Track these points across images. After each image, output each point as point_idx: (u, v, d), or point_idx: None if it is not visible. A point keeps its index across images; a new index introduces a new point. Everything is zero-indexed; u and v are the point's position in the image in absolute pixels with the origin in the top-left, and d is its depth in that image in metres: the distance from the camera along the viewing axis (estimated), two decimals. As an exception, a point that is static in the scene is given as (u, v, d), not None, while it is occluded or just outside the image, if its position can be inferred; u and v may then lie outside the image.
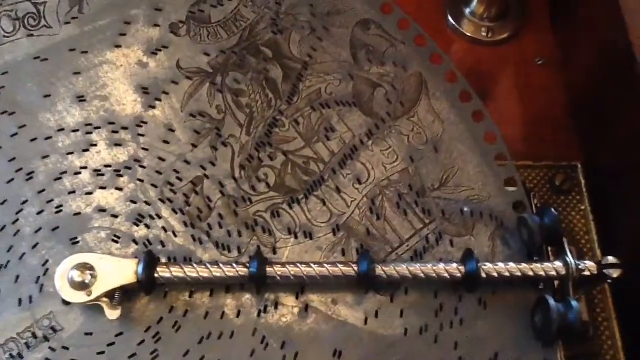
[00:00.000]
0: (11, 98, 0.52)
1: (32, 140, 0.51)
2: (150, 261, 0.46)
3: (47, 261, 0.48)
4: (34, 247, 0.48)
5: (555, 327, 0.46)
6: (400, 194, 0.52)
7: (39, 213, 0.49)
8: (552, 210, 0.50)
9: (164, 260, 0.48)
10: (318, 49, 0.55)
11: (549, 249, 0.50)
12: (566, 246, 0.49)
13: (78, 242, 0.49)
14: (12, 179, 0.50)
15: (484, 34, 0.71)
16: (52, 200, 0.50)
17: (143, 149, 0.51)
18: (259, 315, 0.47)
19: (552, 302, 0.47)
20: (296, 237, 0.50)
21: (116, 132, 0.52)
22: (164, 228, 0.49)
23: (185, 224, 0.50)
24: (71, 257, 0.45)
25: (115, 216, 0.49)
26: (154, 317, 0.47)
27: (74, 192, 0.50)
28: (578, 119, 0.66)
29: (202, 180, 0.51)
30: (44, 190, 0.50)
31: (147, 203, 0.50)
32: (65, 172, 0.50)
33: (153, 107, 0.53)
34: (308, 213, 0.51)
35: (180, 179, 0.51)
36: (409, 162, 0.53)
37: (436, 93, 0.55)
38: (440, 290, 0.49)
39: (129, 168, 0.51)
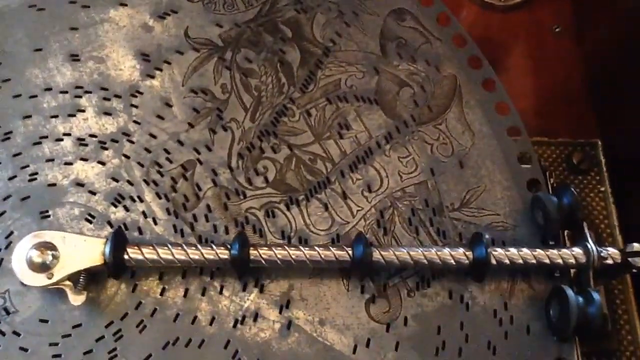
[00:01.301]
0: (-1, 48, 0.47)
1: (15, 96, 0.46)
2: (119, 241, 0.41)
3: (11, 233, 0.43)
4: (0, 215, 0.44)
5: (574, 321, 0.41)
6: (414, 209, 0.46)
7: (11, 179, 0.44)
8: (572, 189, 0.45)
9: (138, 249, 0.43)
10: (343, 34, 0.49)
11: (565, 232, 0.46)
12: (586, 230, 0.44)
13: (48, 216, 0.44)
14: (-13, 137, 0.45)
15: None
16: (27, 166, 0.45)
17: (134, 121, 0.46)
18: (234, 325, 0.42)
19: (570, 293, 0.41)
20: (289, 243, 0.44)
21: (108, 99, 0.46)
22: (144, 213, 0.44)
23: (168, 212, 0.44)
24: (30, 235, 0.40)
25: (93, 193, 0.44)
26: (118, 312, 0.42)
27: (52, 160, 0.45)
28: (597, 92, 0.61)
29: (194, 165, 0.45)
30: (19, 154, 0.45)
31: (129, 183, 0.45)
32: (45, 137, 0.45)
33: (152, 77, 0.47)
34: (307, 217, 0.45)
35: (170, 161, 0.45)
36: (428, 174, 0.47)
37: (470, 101, 0.49)
38: (444, 325, 0.43)
39: (116, 141, 0.46)
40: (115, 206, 0.44)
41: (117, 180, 0.45)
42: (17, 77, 0.47)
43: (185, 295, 0.42)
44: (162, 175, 0.45)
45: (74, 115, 0.46)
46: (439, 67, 0.49)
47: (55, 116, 0.46)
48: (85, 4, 0.48)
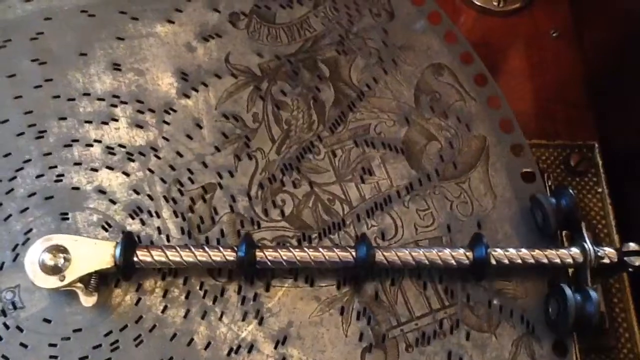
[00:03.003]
0: (46, 46, 0.49)
1: (55, 97, 0.48)
2: (129, 243, 0.42)
3: (30, 230, 0.44)
4: (22, 211, 0.45)
5: (572, 318, 0.42)
6: (424, 264, 0.45)
7: (38, 177, 0.46)
8: (570, 191, 0.46)
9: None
10: (380, 81, 0.49)
11: (563, 233, 0.47)
12: (584, 231, 0.45)
13: (67, 218, 0.45)
14: (22, 133, 0.47)
15: (495, 2, 0.66)
16: (55, 167, 0.46)
17: (164, 137, 0.47)
18: (229, 354, 0.42)
19: (568, 291, 0.43)
20: (295, 279, 0.44)
21: (142, 112, 0.48)
22: (158, 229, 0.45)
23: (182, 231, 0.45)
24: (42, 238, 0.41)
25: (114, 202, 0.45)
26: (119, 323, 0.42)
27: (79, 163, 0.46)
28: (594, 95, 0.62)
29: (215, 189, 0.46)
30: (50, 154, 0.46)
31: (150, 197, 0.45)
32: (77, 141, 0.47)
33: (187, 96, 0.48)
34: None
35: (192, 181, 0.46)
36: (444, 230, 0.46)
37: (496, 164, 0.48)
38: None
39: (143, 154, 0.47)
40: (133, 218, 0.45)
41: (138, 193, 0.46)
42: (59, 78, 0.48)
43: (185, 316, 0.43)
44: (182, 194, 0.46)
45: (107, 123, 0.47)
46: (469, 125, 0.49)
47: (89, 122, 0.47)
48: (135, 16, 0.50)
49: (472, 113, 0.49)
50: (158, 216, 0.45)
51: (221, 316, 0.43)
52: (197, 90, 0.48)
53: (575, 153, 0.57)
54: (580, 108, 0.62)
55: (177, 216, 0.45)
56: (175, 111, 0.48)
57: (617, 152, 0.57)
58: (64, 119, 0.47)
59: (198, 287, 0.43)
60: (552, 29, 0.65)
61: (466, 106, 0.49)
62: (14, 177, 0.45)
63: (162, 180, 0.46)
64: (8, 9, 0.50)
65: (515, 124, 0.49)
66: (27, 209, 0.45)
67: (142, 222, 0.45)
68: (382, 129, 0.48)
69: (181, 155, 0.47)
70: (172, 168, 0.46)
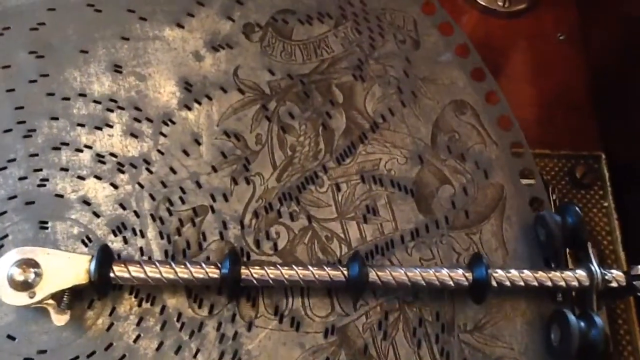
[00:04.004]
0: (46, 39, 0.46)
1: (49, 94, 0.45)
2: (105, 258, 0.39)
3: (5, 235, 0.41)
4: (0, 214, 0.42)
5: (576, 346, 0.40)
6: (422, 319, 0.42)
7: (21, 179, 0.43)
8: (576, 208, 0.43)
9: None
10: (396, 113, 0.46)
11: (567, 251, 0.45)
12: (590, 252, 0.43)
13: (47, 227, 0.42)
14: (10, 130, 0.44)
15: (499, 3, 0.63)
16: (40, 170, 0.43)
17: (159, 150, 0.44)
18: (200, 396, 0.39)
19: (572, 317, 0.40)
20: (280, 321, 0.41)
21: (138, 120, 0.44)
22: (141, 249, 0.42)
23: (167, 254, 0.42)
24: (12, 250, 0.38)
25: (97, 215, 0.42)
26: (87, 348, 0.39)
27: (66, 169, 0.43)
28: (600, 102, 0.59)
29: (206, 212, 0.43)
30: (36, 155, 0.43)
31: (136, 214, 0.42)
32: (66, 144, 0.44)
33: (189, 108, 0.45)
34: (307, 297, 0.42)
35: (182, 201, 0.43)
36: (447, 284, 0.43)
37: (512, 217, 0.45)
38: None
39: (135, 166, 0.43)
40: (115, 235, 0.42)
41: (124, 208, 0.42)
42: (56, 75, 0.45)
43: (158, 349, 0.40)
44: (170, 214, 0.43)
45: (100, 129, 0.44)
46: (488, 172, 0.45)
47: (82, 125, 0.44)
48: (143, 16, 0.47)
49: (492, 159, 0.46)
50: (142, 235, 0.42)
51: (196, 353, 0.40)
52: (200, 103, 0.45)
53: (580, 164, 0.55)
54: (585, 114, 0.59)
55: (162, 237, 0.42)
56: (174, 123, 0.45)
57: (625, 164, 0.55)
58: (56, 119, 0.44)
59: (175, 319, 0.40)
60: (557, 32, 0.63)
61: (486, 150, 0.46)
62: (-4, 177, 0.43)
63: (152, 196, 0.43)
64: (11, -6, 0.47)
65: (536, 174, 0.46)
66: (5, 212, 0.42)
67: (125, 241, 0.42)
68: (393, 166, 0.45)
69: (175, 172, 0.44)
70: (164, 185, 0.43)
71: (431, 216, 0.44)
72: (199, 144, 0.44)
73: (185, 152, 0.44)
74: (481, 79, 0.46)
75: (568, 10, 0.64)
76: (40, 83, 0.45)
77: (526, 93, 0.61)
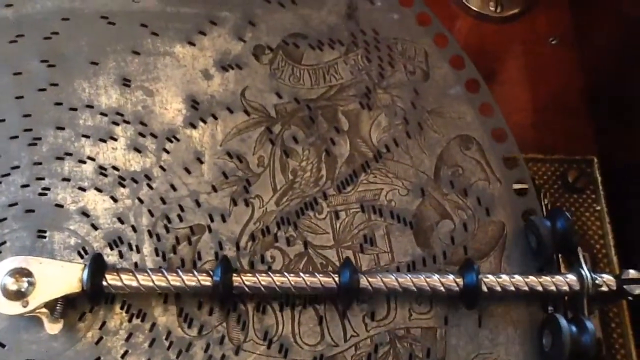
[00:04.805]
0: (58, 48, 0.46)
1: (57, 104, 0.45)
2: (98, 267, 0.39)
3: (3, 242, 0.42)
4: (0, 221, 0.42)
5: (567, 351, 0.39)
6: (413, 354, 0.41)
7: (23, 186, 0.43)
8: (566, 213, 0.43)
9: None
10: (401, 144, 0.45)
11: (559, 255, 0.44)
12: (581, 257, 0.43)
13: (44, 237, 0.42)
14: (16, 136, 0.44)
15: (492, 8, 0.63)
16: (42, 179, 0.43)
17: (161, 167, 0.44)
18: (182, 418, 0.39)
19: (563, 322, 0.40)
20: (269, 347, 0.41)
21: (143, 135, 0.45)
22: (136, 264, 0.42)
23: (161, 272, 0.42)
24: (6, 260, 0.38)
25: (95, 227, 0.42)
26: (74, 359, 0.40)
27: (68, 179, 0.43)
28: (594, 106, 0.59)
29: (203, 232, 0.43)
30: (40, 164, 0.44)
31: (133, 229, 0.43)
32: (70, 154, 0.44)
33: (193, 126, 0.45)
34: (297, 325, 0.41)
35: (180, 219, 0.43)
36: (441, 321, 0.42)
37: (512, 255, 0.44)
38: None
39: (136, 181, 0.44)
40: (112, 249, 0.42)
41: (122, 222, 0.43)
42: (65, 85, 0.45)
43: (145, 368, 0.40)
44: (167, 231, 0.43)
45: (104, 141, 0.44)
46: (490, 209, 0.45)
47: (87, 136, 0.44)
48: (155, 31, 0.47)
49: (495, 196, 0.45)
50: (138, 251, 0.42)
51: (183, 373, 0.40)
52: (205, 122, 0.45)
53: (573, 168, 0.55)
54: (579, 119, 0.59)
55: (157, 254, 0.42)
56: (178, 140, 0.45)
57: (617, 168, 0.55)
58: (62, 128, 0.44)
59: (164, 337, 0.40)
60: (550, 36, 0.63)
61: (490, 187, 0.45)
62: (-2, 183, 0.43)
63: (150, 212, 0.43)
64: (27, 2, 0.47)
65: (540, 214, 0.45)
66: (4, 219, 0.42)
67: (120, 255, 0.42)
68: (394, 197, 0.45)
69: (175, 189, 0.44)
70: (163, 201, 0.43)
71: (429, 250, 0.44)
72: (201, 162, 0.44)
73: (187, 170, 0.44)
74: (489, 114, 0.46)
75: (561, 13, 0.64)
76: (49, 92, 0.45)
77: (520, 97, 0.61)
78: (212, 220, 0.43)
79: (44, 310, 0.39)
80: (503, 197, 0.45)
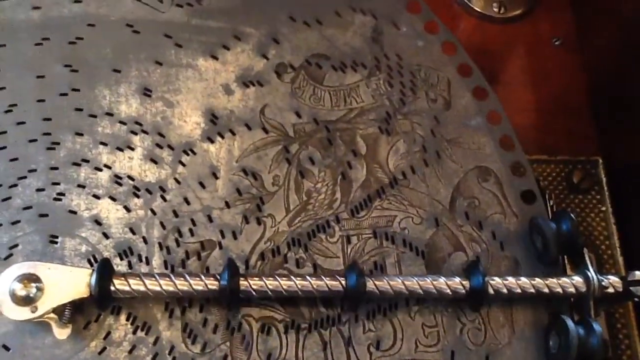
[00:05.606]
0: (82, 54, 0.46)
1: (77, 109, 0.45)
2: (106, 271, 0.39)
3: (16, 245, 0.42)
4: (14, 223, 0.42)
5: (575, 353, 0.39)
6: (418, 388, 0.41)
7: (39, 190, 0.43)
8: (571, 215, 0.43)
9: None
10: (418, 172, 0.45)
11: (565, 257, 0.44)
12: (587, 258, 0.42)
13: (56, 242, 0.42)
14: (35, 140, 0.44)
15: (495, 9, 0.63)
16: (58, 184, 0.43)
17: (176, 179, 0.44)
18: None
19: (570, 324, 0.40)
20: None
21: (160, 146, 0.45)
22: (144, 277, 0.42)
23: (169, 286, 0.42)
24: (14, 265, 0.38)
25: (107, 236, 0.42)
26: (76, 370, 0.40)
27: (83, 186, 0.44)
28: (598, 107, 0.59)
29: (213, 248, 0.43)
30: (56, 169, 0.44)
31: (144, 240, 0.43)
32: (87, 161, 0.44)
33: (211, 141, 0.45)
34: (301, 349, 0.41)
35: (192, 233, 0.43)
36: (447, 355, 0.42)
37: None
38: None
39: (150, 192, 0.44)
40: (122, 259, 0.42)
41: (134, 233, 0.43)
42: (86, 91, 0.46)
43: (146, 381, 0.40)
44: (178, 245, 0.43)
45: (122, 150, 0.44)
46: (504, 244, 0.44)
47: (105, 144, 0.45)
48: (179, 42, 0.47)
49: (510, 231, 0.44)
50: (147, 263, 0.42)
51: (184, 389, 0.40)
52: (222, 137, 0.45)
53: (577, 169, 0.54)
54: (583, 120, 0.59)
55: (166, 267, 0.42)
56: (194, 153, 0.45)
57: (622, 168, 0.54)
58: (81, 134, 0.45)
59: (167, 351, 0.40)
60: (553, 37, 0.62)
61: (505, 221, 0.45)
62: (15, 185, 0.43)
63: (162, 225, 0.43)
64: (54, 6, 0.48)
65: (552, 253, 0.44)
66: (18, 221, 0.43)
67: (130, 266, 0.42)
68: (408, 225, 0.44)
69: (188, 203, 0.44)
70: (176, 214, 0.43)
71: (439, 282, 0.43)
72: (216, 177, 0.44)
73: (202, 184, 0.44)
74: (510, 149, 0.45)
75: (564, 14, 0.64)
76: (71, 97, 0.46)
77: (523, 98, 0.61)
78: (223, 237, 0.43)
79: (52, 315, 0.39)
80: (518, 232, 0.44)
